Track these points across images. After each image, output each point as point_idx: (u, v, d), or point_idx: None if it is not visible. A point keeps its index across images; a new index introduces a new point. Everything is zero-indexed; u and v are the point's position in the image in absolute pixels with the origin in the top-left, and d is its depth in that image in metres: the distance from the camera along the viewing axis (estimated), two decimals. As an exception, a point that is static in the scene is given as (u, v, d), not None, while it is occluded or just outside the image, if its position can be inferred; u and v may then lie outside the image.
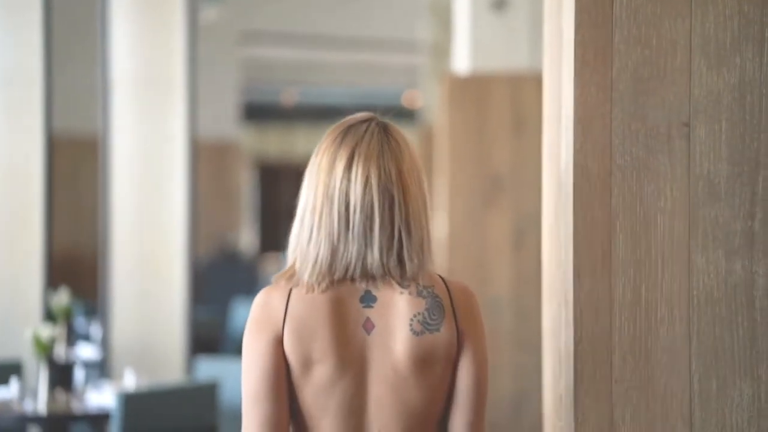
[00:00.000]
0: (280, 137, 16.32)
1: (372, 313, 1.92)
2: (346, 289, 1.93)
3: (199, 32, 7.00)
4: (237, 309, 8.25)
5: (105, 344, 6.00)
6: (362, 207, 1.91)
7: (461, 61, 5.43)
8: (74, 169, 7.74)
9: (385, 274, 1.92)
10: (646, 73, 2.08)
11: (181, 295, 6.13)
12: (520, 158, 4.96)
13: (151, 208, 6.14)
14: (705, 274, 2.07)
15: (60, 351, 5.46)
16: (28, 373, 5.14)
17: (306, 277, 1.92)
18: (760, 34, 2.07)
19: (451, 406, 1.95)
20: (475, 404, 1.94)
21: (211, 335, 8.12)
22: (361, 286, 1.93)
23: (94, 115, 6.23)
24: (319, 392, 1.90)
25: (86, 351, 5.98)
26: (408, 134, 2.04)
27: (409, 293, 1.92)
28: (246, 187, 13.53)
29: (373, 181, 1.92)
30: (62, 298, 5.51)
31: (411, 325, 1.91)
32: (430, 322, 1.92)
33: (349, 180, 1.92)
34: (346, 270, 1.92)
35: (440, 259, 5.04)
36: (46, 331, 4.46)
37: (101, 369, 5.93)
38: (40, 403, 4.48)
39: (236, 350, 7.35)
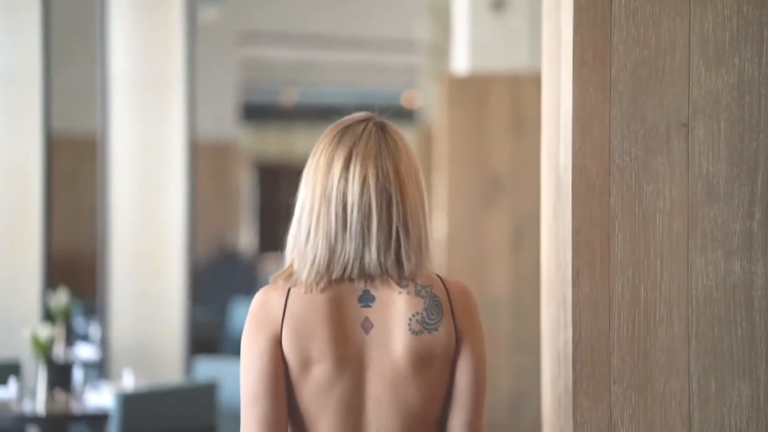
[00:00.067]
0: (279, 137, 16.32)
1: (370, 313, 1.92)
2: (345, 288, 1.93)
3: (199, 32, 7.00)
4: (236, 309, 8.25)
5: (104, 344, 6.00)
6: (360, 207, 1.91)
7: (460, 61, 5.42)
8: (73, 168, 7.74)
9: (383, 274, 1.92)
10: (644, 73, 2.08)
11: (180, 295, 6.13)
12: (519, 158, 4.95)
13: (150, 208, 6.14)
14: (704, 275, 2.07)
15: (59, 351, 5.45)
16: (26, 374, 5.13)
17: (304, 277, 1.92)
18: (758, 34, 2.07)
19: (450, 406, 1.95)
20: (474, 404, 1.94)
21: (210, 335, 8.11)
22: (360, 285, 1.93)
23: (93, 115, 6.23)
24: (317, 392, 1.90)
25: (85, 351, 5.98)
26: (407, 134, 2.04)
27: (408, 293, 1.92)
28: (245, 187, 13.54)
29: (371, 181, 1.92)
30: (61, 298, 5.50)
31: (410, 324, 1.91)
32: (428, 321, 1.92)
33: (346, 180, 1.92)
34: (344, 270, 1.92)
35: (439, 259, 5.04)
36: (44, 331, 4.46)
37: (100, 369, 5.92)
38: (38, 403, 4.48)
39: (235, 350, 7.35)
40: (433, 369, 1.92)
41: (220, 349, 8.06)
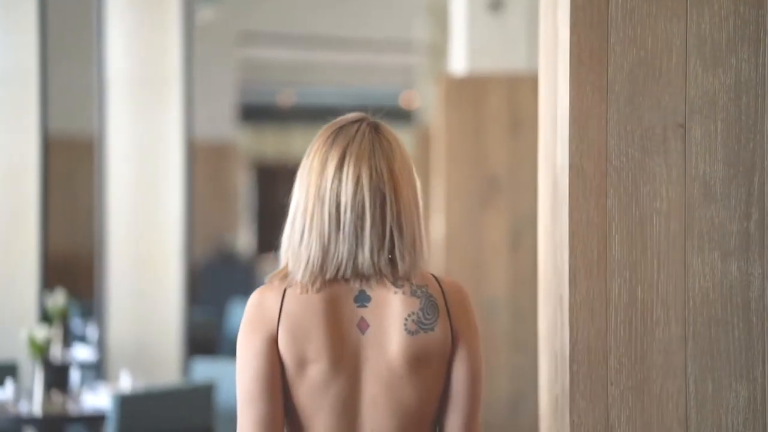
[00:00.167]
0: (277, 138, 16.32)
1: (366, 313, 1.92)
2: (341, 288, 1.93)
3: (196, 32, 6.99)
4: (234, 310, 8.24)
5: (101, 345, 5.99)
6: (353, 206, 1.91)
7: (458, 62, 5.42)
8: (70, 169, 7.72)
9: (377, 274, 1.92)
10: (641, 74, 2.07)
11: (177, 296, 6.13)
12: (516, 159, 4.95)
13: (147, 209, 6.13)
14: (701, 276, 2.06)
15: (56, 352, 5.44)
16: (23, 375, 5.13)
17: (299, 277, 1.92)
18: (755, 35, 2.06)
19: (446, 406, 1.95)
20: (470, 404, 1.94)
21: (208, 336, 8.11)
22: (355, 285, 1.93)
23: (90, 115, 6.22)
24: (313, 392, 1.90)
25: (82, 352, 5.97)
26: (405, 135, 2.05)
27: (403, 293, 1.92)
28: (243, 188, 13.53)
29: (365, 181, 1.92)
30: (58, 299, 5.50)
31: (405, 324, 1.91)
32: (424, 321, 1.92)
33: (340, 180, 1.92)
34: (337, 270, 1.92)
35: (437, 259, 5.03)
36: (41, 332, 4.45)
37: (97, 370, 5.92)
38: (35, 404, 4.47)
39: (233, 351, 7.34)
40: (429, 369, 1.92)
41: (217, 350, 8.05)
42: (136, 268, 6.09)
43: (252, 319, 1.92)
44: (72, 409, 4.55)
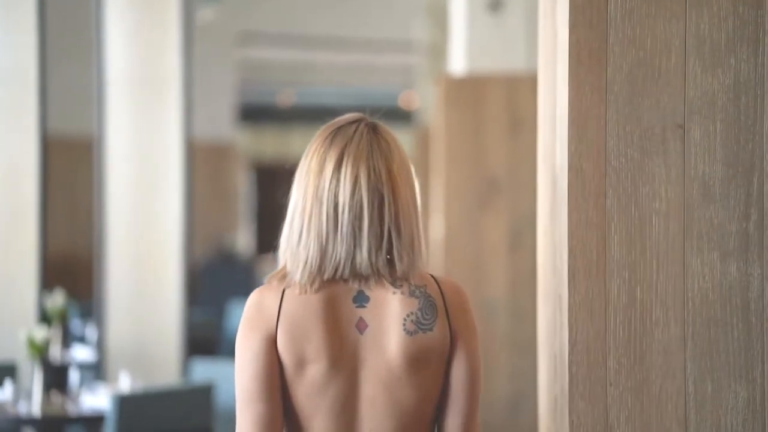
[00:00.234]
0: (276, 138, 16.31)
1: (365, 313, 1.92)
2: (339, 289, 1.93)
3: (196, 33, 6.99)
4: (233, 310, 8.24)
5: (100, 346, 5.99)
6: (351, 207, 1.91)
7: (457, 62, 5.42)
8: (69, 169, 7.72)
9: (375, 274, 1.92)
10: (640, 74, 2.07)
11: (177, 296, 6.12)
12: (516, 159, 4.95)
13: (146, 209, 6.13)
14: (700, 276, 2.06)
15: (55, 353, 5.44)
16: (22, 375, 5.12)
17: (297, 278, 1.92)
18: (754, 35, 2.06)
19: (445, 406, 1.95)
20: (469, 404, 1.94)
21: (207, 337, 8.10)
22: (354, 286, 1.93)
23: (90, 116, 6.22)
24: (312, 392, 1.90)
25: (81, 353, 5.97)
26: (404, 135, 2.05)
27: (402, 293, 1.92)
28: (242, 188, 13.53)
29: (363, 181, 1.92)
30: (57, 299, 5.49)
31: (404, 324, 1.91)
32: (423, 321, 1.92)
33: (338, 180, 1.92)
34: (336, 270, 1.92)
35: (436, 260, 5.03)
36: (40, 333, 4.45)
37: (96, 371, 5.91)
38: (34, 405, 4.47)
39: (232, 352, 7.33)
40: (428, 369, 1.92)
41: (217, 351, 8.05)
42: (135, 269, 6.08)
43: (251, 319, 1.92)
44: (71, 409, 4.54)
